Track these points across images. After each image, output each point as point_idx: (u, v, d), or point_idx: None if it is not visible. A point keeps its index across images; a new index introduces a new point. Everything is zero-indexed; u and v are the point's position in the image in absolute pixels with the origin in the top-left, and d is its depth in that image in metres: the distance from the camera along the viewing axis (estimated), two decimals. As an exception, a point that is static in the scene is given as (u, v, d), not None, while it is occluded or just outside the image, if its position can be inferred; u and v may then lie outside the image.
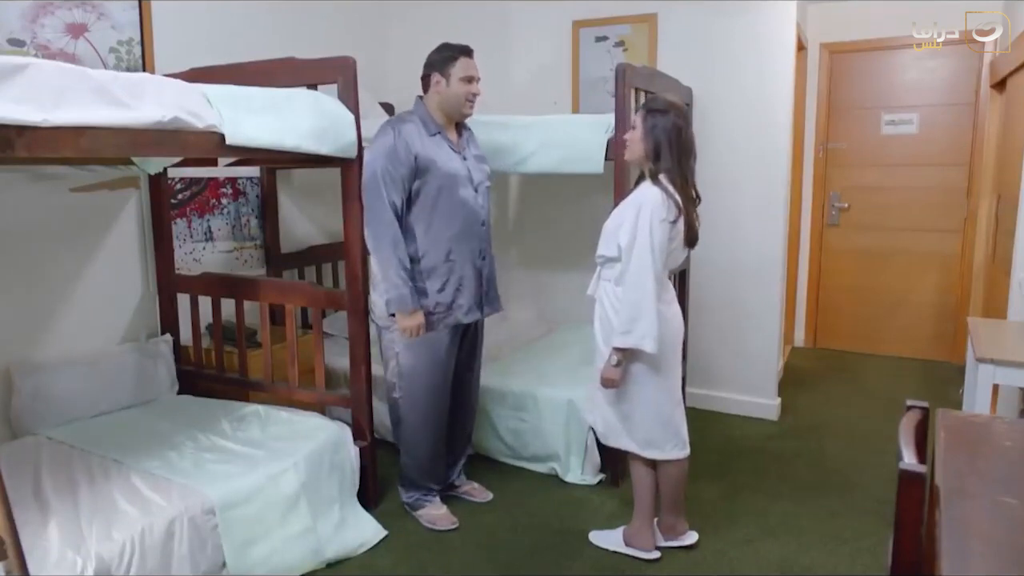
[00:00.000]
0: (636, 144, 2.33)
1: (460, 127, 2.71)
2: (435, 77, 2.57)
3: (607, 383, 2.35)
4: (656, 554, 2.49)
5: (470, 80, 2.58)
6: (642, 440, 2.41)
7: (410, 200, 2.53)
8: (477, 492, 2.94)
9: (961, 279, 4.69)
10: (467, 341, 2.80)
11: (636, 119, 2.34)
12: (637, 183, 2.40)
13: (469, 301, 2.65)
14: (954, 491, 1.31)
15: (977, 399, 2.45)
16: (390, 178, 2.46)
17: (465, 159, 2.64)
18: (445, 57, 2.56)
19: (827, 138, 4.96)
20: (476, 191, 2.64)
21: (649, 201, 2.23)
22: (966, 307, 4.57)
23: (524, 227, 4.32)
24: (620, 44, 3.92)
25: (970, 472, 1.42)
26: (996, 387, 2.54)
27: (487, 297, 2.75)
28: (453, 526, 2.71)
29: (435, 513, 2.75)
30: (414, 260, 2.55)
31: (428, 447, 2.72)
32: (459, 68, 2.55)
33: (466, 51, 2.59)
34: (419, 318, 2.51)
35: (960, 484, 1.34)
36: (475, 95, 2.61)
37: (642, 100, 2.78)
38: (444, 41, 2.61)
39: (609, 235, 2.36)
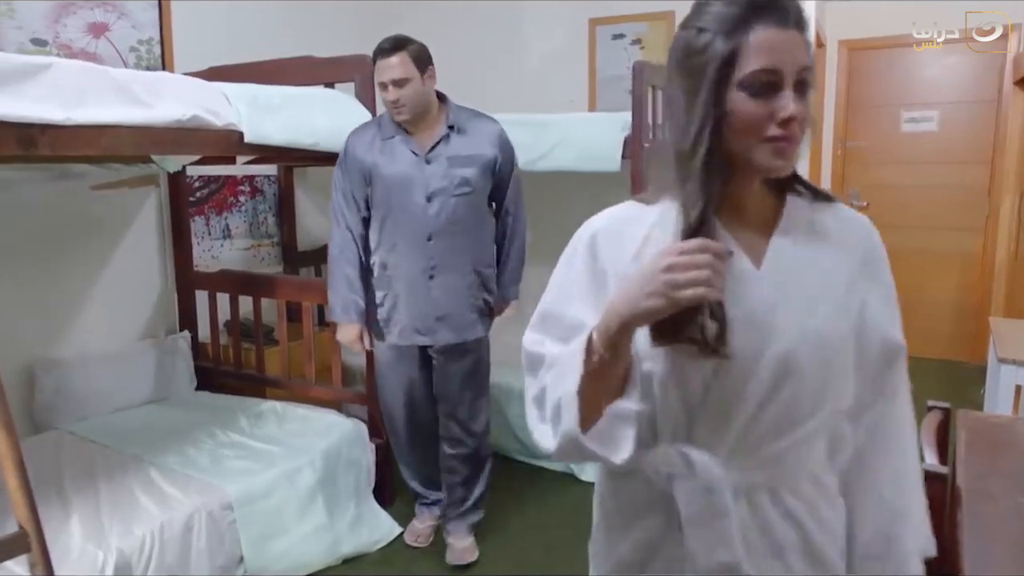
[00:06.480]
0: None
1: (455, 125, 2.29)
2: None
3: None
4: None
5: (383, 87, 2.21)
6: None
7: (369, 207, 2.36)
8: (455, 553, 2.46)
9: (982, 278, 4.62)
10: (437, 370, 2.43)
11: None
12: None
13: (404, 322, 2.34)
14: (976, 492, 1.29)
15: (999, 400, 2.42)
16: (339, 187, 2.35)
17: (428, 163, 2.25)
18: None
19: (846, 136, 4.90)
20: (429, 200, 2.25)
21: None
22: (988, 306, 4.50)
23: (534, 226, 4.30)
24: (637, 42, 3.90)
25: (992, 473, 1.41)
26: (1019, 388, 2.51)
27: (434, 322, 2.32)
28: (414, 543, 2.56)
29: (414, 526, 2.63)
30: (369, 269, 2.40)
31: (397, 450, 2.62)
32: (376, 74, 2.24)
33: (377, 52, 2.21)
34: (349, 333, 2.37)
35: (982, 485, 1.33)
36: (393, 102, 2.21)
37: (659, 98, 2.75)
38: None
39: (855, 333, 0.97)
